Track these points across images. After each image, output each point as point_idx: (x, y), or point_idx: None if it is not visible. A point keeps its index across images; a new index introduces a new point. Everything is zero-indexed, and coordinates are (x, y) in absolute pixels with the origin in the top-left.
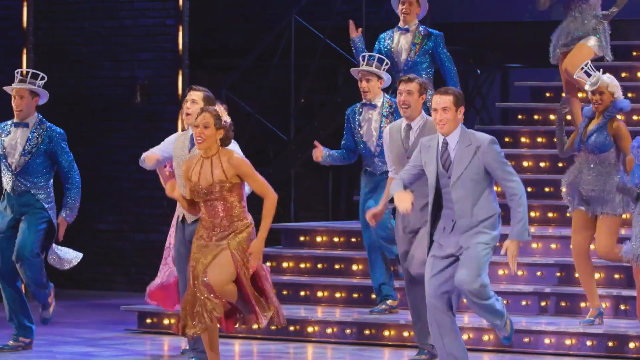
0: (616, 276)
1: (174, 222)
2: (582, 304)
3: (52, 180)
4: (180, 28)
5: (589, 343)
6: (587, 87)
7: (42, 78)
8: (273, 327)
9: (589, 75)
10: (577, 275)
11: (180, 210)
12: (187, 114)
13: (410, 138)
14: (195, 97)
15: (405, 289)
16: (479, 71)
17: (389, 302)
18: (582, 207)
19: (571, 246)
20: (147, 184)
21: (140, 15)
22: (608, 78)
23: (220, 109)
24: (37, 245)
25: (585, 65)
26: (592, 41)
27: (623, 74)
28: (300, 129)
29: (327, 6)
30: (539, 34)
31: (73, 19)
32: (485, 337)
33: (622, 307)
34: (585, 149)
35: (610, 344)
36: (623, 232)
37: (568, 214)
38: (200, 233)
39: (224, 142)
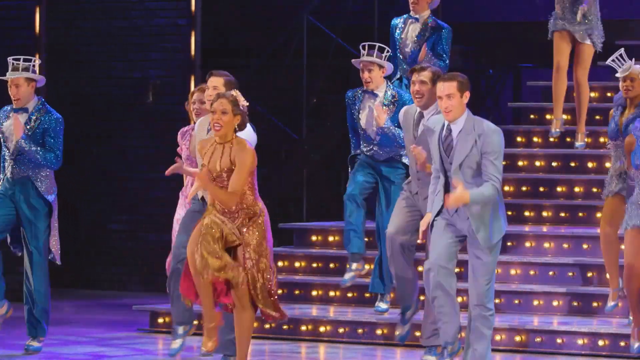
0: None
1: (180, 209)
2: (594, 304)
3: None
4: (193, 28)
5: (600, 343)
6: (618, 74)
7: (35, 61)
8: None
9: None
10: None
11: (198, 191)
12: (209, 101)
13: (420, 126)
14: (217, 84)
15: (391, 259)
16: (491, 71)
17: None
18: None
19: (600, 230)
20: (159, 184)
21: (152, 15)
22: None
23: (237, 93)
24: (45, 249)
25: (620, 55)
26: (589, 38)
27: None
28: (312, 129)
29: (339, 5)
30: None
31: (84, 18)
32: (497, 337)
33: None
34: (623, 137)
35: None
36: None
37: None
38: (212, 211)
39: (241, 127)
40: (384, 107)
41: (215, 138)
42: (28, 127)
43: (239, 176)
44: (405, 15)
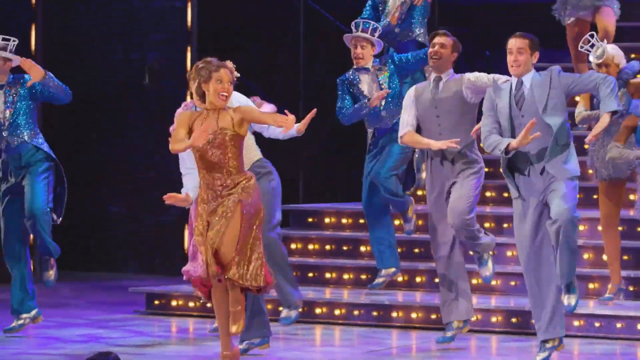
0: (625, 257)
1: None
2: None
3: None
4: (189, 10)
5: (597, 324)
6: (591, 59)
7: (14, 41)
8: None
9: (592, 46)
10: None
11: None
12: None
13: (440, 87)
14: None
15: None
16: (488, 52)
17: (391, 270)
18: (605, 177)
19: (601, 218)
20: (157, 167)
21: None
22: (613, 49)
23: (230, 65)
24: (46, 200)
25: (592, 37)
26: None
27: (632, 55)
28: (310, 110)
29: None
30: (550, 15)
31: (82, 1)
32: (493, 319)
33: (631, 288)
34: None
35: (618, 325)
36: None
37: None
38: (203, 196)
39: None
40: (378, 72)
41: (207, 106)
42: (9, 94)
43: (256, 110)
44: None
